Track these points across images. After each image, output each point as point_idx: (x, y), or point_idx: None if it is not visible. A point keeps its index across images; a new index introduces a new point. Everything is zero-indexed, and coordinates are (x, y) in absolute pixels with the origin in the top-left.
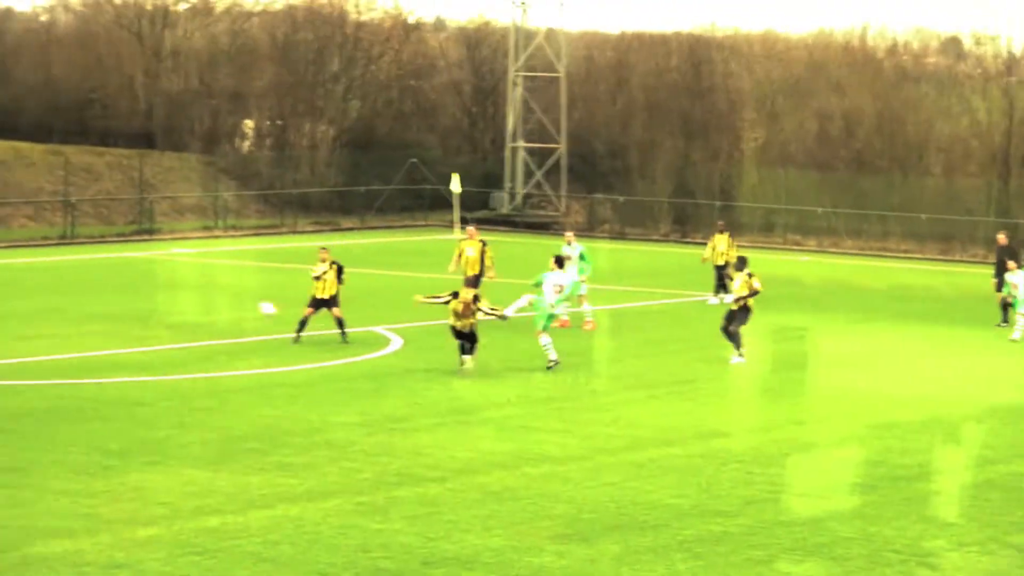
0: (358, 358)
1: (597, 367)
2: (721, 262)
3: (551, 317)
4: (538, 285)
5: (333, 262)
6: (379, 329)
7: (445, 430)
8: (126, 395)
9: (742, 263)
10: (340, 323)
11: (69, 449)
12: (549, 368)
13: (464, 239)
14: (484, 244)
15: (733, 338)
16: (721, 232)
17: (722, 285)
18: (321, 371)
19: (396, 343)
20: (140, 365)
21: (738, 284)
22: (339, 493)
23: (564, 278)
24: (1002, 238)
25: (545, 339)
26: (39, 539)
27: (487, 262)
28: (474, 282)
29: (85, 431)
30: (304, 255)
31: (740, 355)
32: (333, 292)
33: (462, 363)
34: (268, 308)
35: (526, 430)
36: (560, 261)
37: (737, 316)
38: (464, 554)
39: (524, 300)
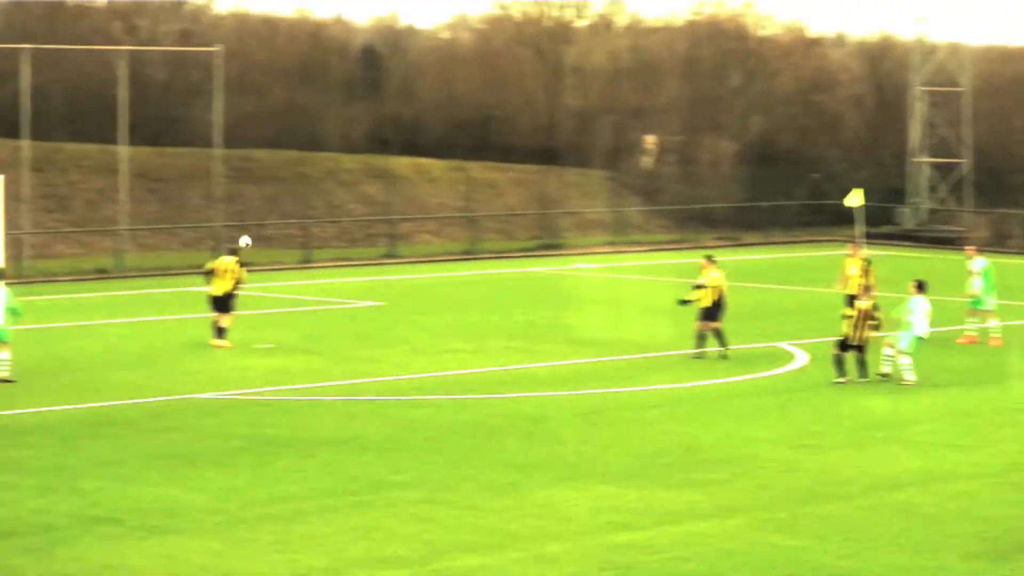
0: (763, 374)
1: (1008, 383)
2: None
3: (920, 340)
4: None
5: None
6: (783, 344)
7: (853, 446)
8: (532, 411)
9: None
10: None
11: (476, 464)
12: (883, 377)
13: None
14: (868, 263)
15: None
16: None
17: None
18: (726, 387)
19: (801, 359)
20: (545, 380)
21: None
22: (747, 510)
23: (926, 304)
24: None
25: (906, 359)
26: (447, 553)
27: (871, 280)
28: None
29: (491, 447)
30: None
31: None
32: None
33: (843, 375)
34: (245, 240)
35: (935, 446)
36: (921, 286)
37: None
38: (872, 572)
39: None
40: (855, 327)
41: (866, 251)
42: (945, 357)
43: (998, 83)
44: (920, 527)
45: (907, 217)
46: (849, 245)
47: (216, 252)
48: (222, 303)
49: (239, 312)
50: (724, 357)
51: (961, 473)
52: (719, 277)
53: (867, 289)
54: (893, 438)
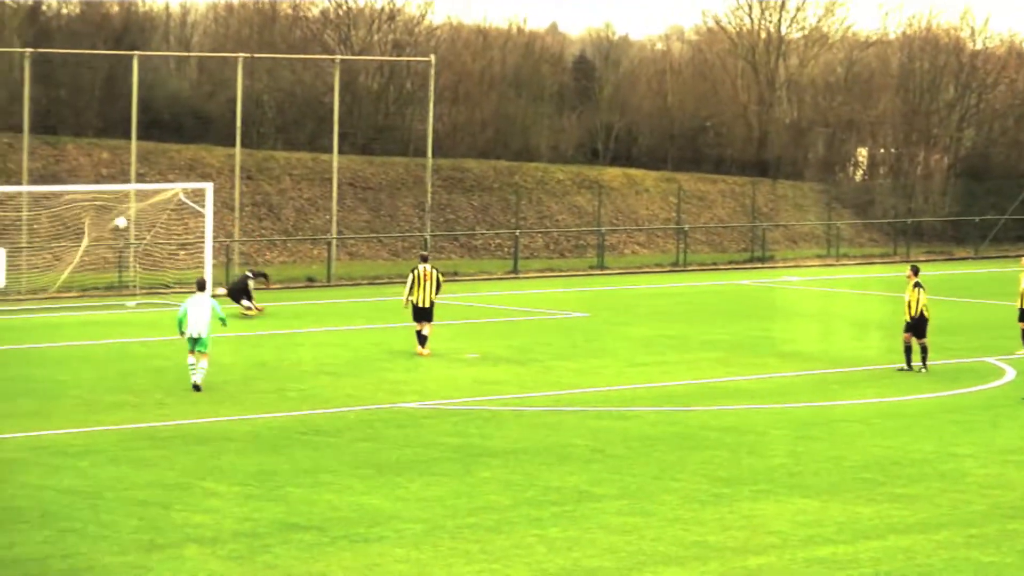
0: (972, 389)
1: None
2: None
3: None
4: None
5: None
6: (992, 360)
7: None
8: (737, 423)
9: None
10: (923, 350)
11: (679, 476)
12: None
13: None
14: None
15: None
16: None
17: None
18: (934, 402)
19: (1010, 374)
20: (752, 393)
21: None
22: (950, 525)
23: None
24: None
25: None
26: (650, 566)
27: None
28: None
29: (696, 458)
30: (927, 285)
31: None
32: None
33: None
34: (121, 222)
35: None
36: None
37: None
38: None
39: None
40: None
41: None
42: None
43: None
44: None
45: None
46: (1022, 259)
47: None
48: (423, 312)
49: (448, 321)
50: (922, 371)
51: None
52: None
53: None
54: None
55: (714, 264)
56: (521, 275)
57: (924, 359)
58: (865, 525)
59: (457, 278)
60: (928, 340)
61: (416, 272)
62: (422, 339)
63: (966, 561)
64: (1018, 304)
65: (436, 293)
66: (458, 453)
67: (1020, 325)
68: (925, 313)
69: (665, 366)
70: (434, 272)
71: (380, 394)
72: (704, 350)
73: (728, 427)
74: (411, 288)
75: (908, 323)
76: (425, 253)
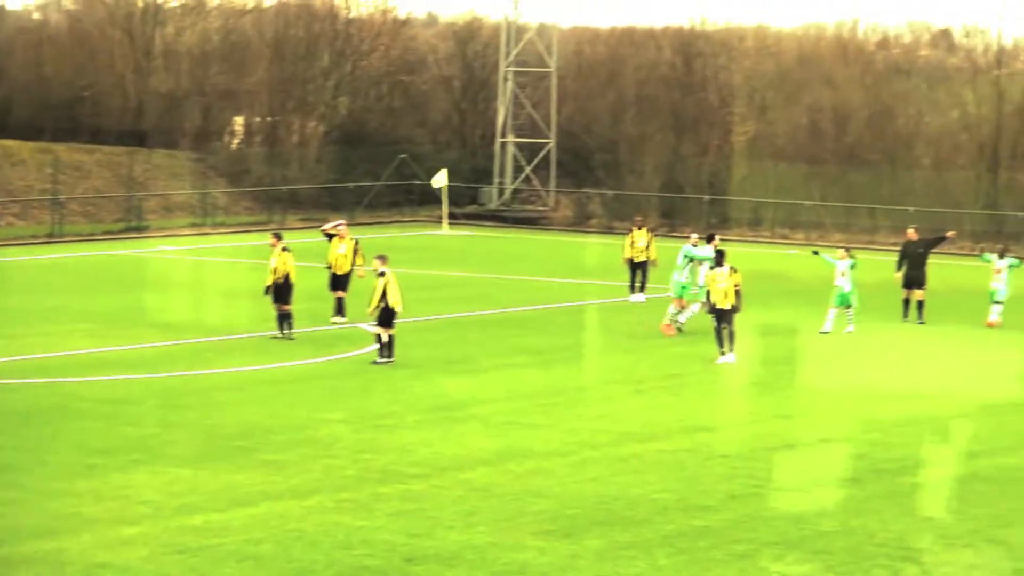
0: (344, 355)
1: (584, 362)
2: (641, 259)
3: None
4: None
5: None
6: (364, 326)
7: (430, 427)
8: (111, 394)
9: (721, 257)
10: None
11: (53, 448)
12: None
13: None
14: (356, 242)
15: (729, 337)
16: (639, 228)
17: (640, 282)
18: (307, 368)
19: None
20: (126, 363)
21: (723, 283)
22: (322, 490)
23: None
24: (911, 233)
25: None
26: (22, 540)
27: (359, 260)
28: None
29: (70, 430)
30: (295, 252)
31: (726, 354)
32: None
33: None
34: None
35: (511, 426)
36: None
37: (727, 315)
38: (447, 551)
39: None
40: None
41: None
42: (519, 337)
43: (584, 64)
44: (496, 505)
45: (492, 197)
46: (339, 227)
47: None
48: None
49: None
50: (290, 339)
51: (537, 451)
52: (287, 256)
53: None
54: (469, 418)
55: (91, 235)
56: None
57: (290, 325)
58: (238, 492)
59: None
60: (293, 307)
61: None
62: None
63: (337, 525)
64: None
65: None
66: None
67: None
68: (291, 279)
69: (41, 337)
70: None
71: None
72: (80, 321)
73: (102, 398)
74: None
75: (269, 288)
76: None
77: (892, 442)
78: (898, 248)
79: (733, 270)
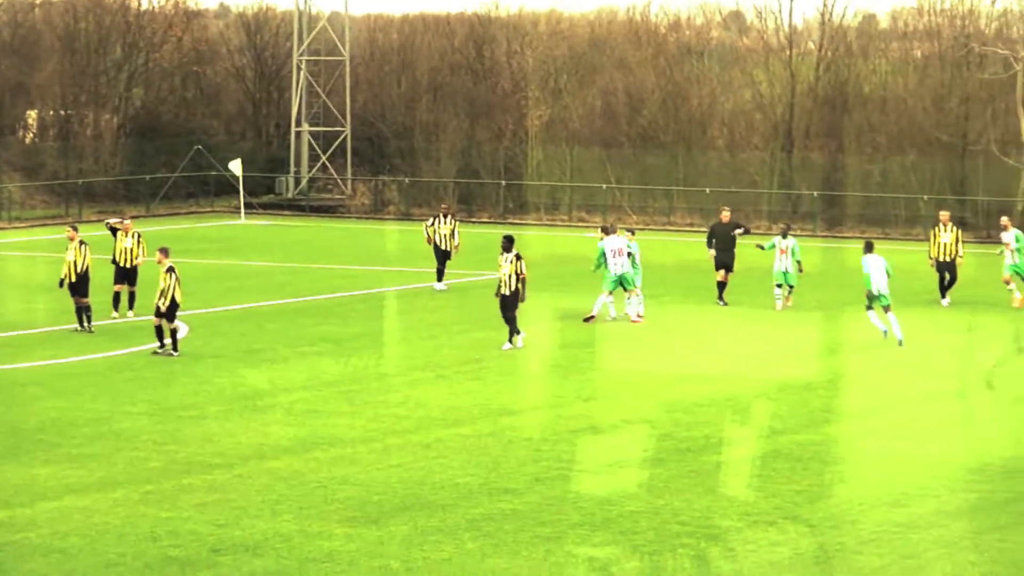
0: (144, 347)
1: (386, 349)
2: (445, 246)
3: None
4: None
5: (82, 242)
6: (147, 318)
7: (233, 417)
8: None
9: (510, 243)
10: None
11: None
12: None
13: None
14: (139, 236)
15: (511, 323)
16: (445, 215)
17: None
18: (108, 361)
19: (183, 330)
20: None
21: (506, 268)
22: (127, 483)
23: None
24: (725, 215)
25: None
26: None
27: (140, 252)
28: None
29: None
30: (92, 245)
31: (514, 342)
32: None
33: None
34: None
35: (315, 414)
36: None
37: (507, 301)
38: (253, 540)
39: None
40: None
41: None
42: (320, 326)
43: (377, 51)
44: (301, 493)
45: (288, 186)
46: (124, 222)
47: None
48: None
49: None
50: (89, 332)
51: (341, 439)
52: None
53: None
54: (272, 407)
55: None
56: None
57: (89, 318)
58: (42, 486)
59: None
60: (91, 300)
61: None
62: None
63: (143, 517)
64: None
65: None
66: None
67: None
68: (88, 272)
69: None
70: None
71: None
72: None
73: None
74: None
75: (63, 281)
76: None
77: (694, 422)
78: (698, 229)
79: (518, 257)
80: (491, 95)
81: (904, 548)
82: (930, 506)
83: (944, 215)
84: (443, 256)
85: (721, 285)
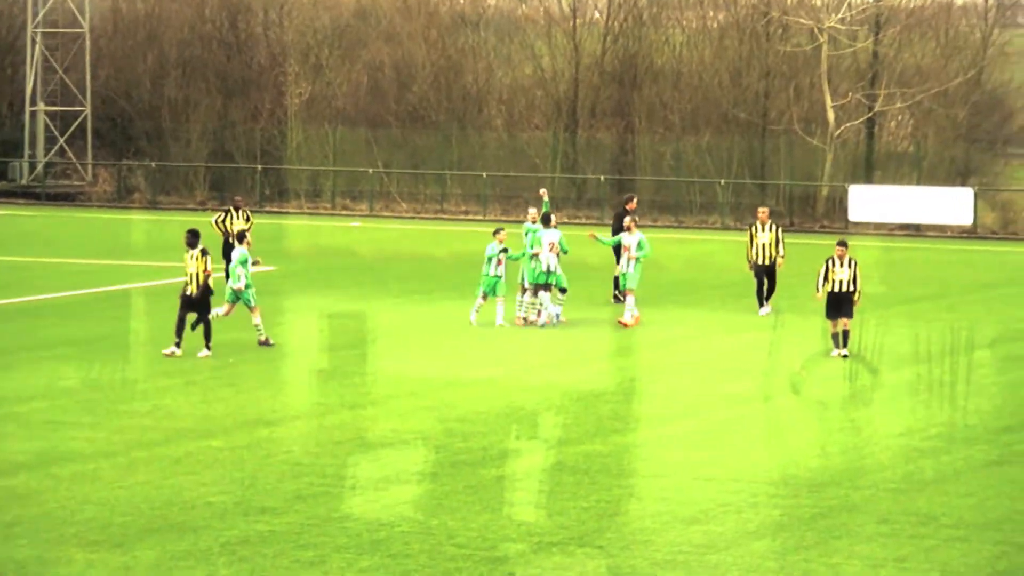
0: None
1: (132, 352)
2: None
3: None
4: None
5: None
6: None
7: None
8: None
9: (194, 238)
10: None
11: None
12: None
13: None
14: None
15: (206, 326)
16: (238, 208)
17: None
18: None
19: None
20: None
21: (192, 266)
22: None
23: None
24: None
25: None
26: None
27: None
28: None
29: None
30: None
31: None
32: None
33: None
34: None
35: (53, 426)
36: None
37: (196, 302)
38: None
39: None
40: None
41: None
42: (57, 327)
43: (121, 24)
44: (38, 515)
45: (22, 172)
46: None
47: None
48: None
49: None
50: None
51: (82, 453)
52: None
53: None
54: (5, 418)
55: None
56: None
57: None
58: None
59: None
60: None
61: None
62: None
63: None
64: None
65: None
66: None
67: None
68: None
69: None
70: None
71: None
72: None
73: None
74: None
75: None
76: None
77: (471, 432)
78: (474, 218)
79: (204, 253)
80: (246, 71)
81: (702, 571)
82: (730, 524)
83: (763, 212)
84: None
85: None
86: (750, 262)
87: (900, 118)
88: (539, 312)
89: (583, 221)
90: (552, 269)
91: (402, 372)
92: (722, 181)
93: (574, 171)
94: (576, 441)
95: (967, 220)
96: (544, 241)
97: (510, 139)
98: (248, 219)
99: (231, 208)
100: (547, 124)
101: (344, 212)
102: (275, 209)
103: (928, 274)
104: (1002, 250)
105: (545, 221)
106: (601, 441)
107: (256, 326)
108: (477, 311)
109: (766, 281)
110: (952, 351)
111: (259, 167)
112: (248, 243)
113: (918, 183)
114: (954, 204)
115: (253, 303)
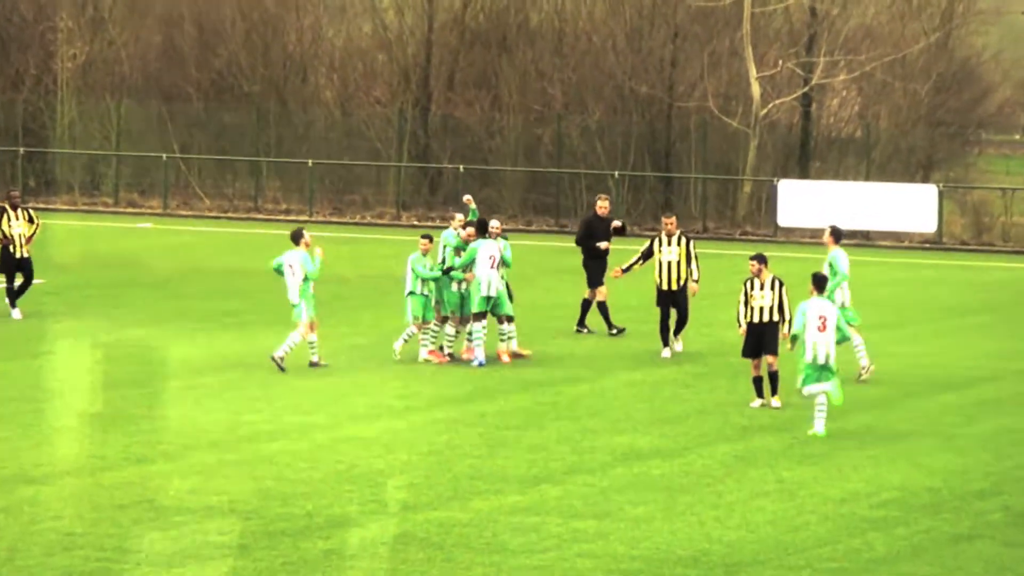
0: None
1: None
2: (23, 251)
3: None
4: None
5: None
6: None
7: None
8: None
9: None
10: None
11: None
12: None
13: None
14: None
15: None
16: (15, 207)
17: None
18: None
19: None
20: None
21: None
22: None
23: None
24: (603, 206)
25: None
26: None
27: None
28: None
29: None
30: None
31: None
32: None
33: None
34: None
35: None
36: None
37: None
38: None
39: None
40: None
41: None
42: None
43: None
44: None
45: None
46: None
47: None
48: None
49: None
50: None
51: None
52: None
53: None
54: None
55: None
56: None
57: None
58: None
59: None
60: None
61: None
62: None
63: None
64: None
65: None
66: None
67: None
68: None
69: None
70: None
71: None
72: None
73: None
74: None
75: None
76: None
77: (291, 493)
78: (296, 218)
79: None
80: (5, 26)
81: None
82: None
83: (669, 221)
84: (19, 265)
85: (587, 305)
86: (656, 285)
87: (844, 94)
88: (470, 346)
89: (437, 223)
90: (494, 292)
91: (203, 418)
92: (616, 174)
93: (425, 159)
94: (427, 506)
95: (930, 227)
96: (482, 255)
97: (343, 117)
98: (32, 220)
99: (5, 206)
100: (391, 98)
101: (130, 210)
102: (41, 205)
103: (880, 296)
104: (974, 265)
105: (481, 229)
106: (459, 507)
107: None
108: (405, 340)
109: (673, 312)
110: (910, 394)
111: (21, 150)
112: (307, 243)
113: (867, 179)
114: (913, 206)
115: None
